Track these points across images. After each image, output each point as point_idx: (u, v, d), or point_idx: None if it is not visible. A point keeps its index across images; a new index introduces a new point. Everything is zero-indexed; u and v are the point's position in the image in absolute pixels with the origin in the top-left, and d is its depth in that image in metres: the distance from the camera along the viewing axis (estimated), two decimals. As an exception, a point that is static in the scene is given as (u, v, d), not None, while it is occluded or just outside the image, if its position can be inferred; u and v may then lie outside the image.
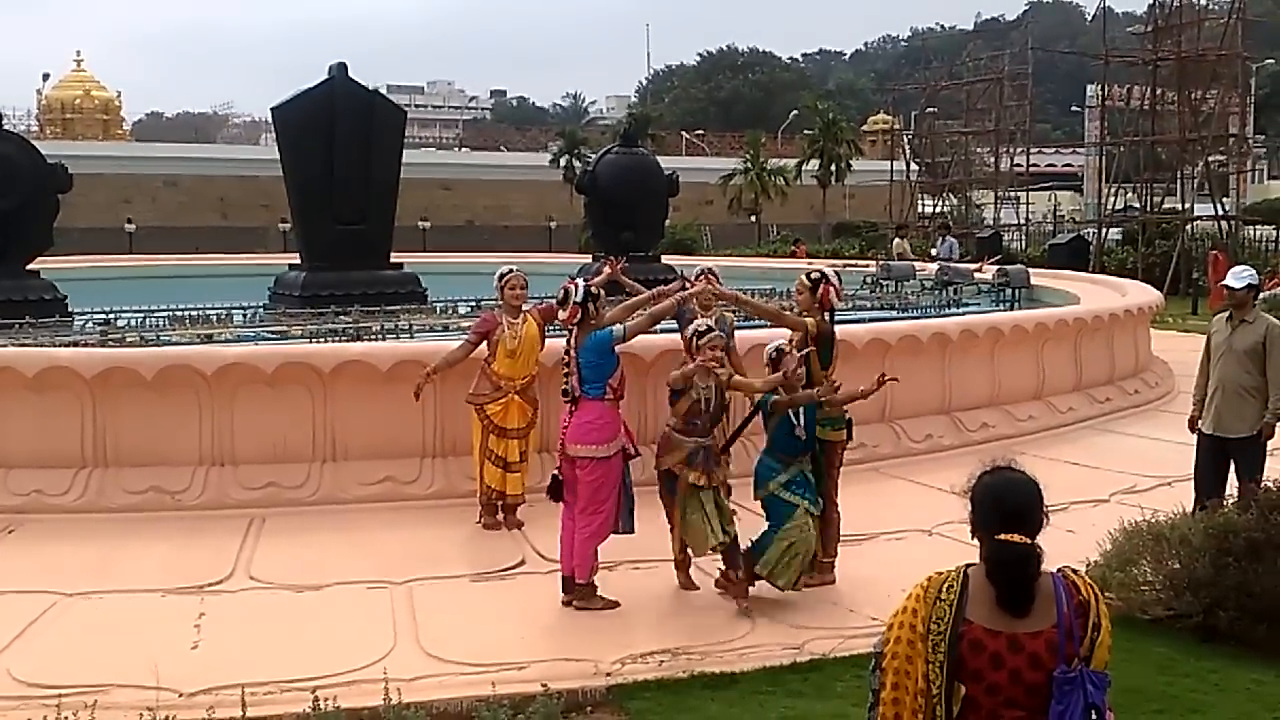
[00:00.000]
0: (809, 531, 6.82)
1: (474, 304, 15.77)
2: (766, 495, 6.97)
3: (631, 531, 7.07)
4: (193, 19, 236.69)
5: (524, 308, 8.50)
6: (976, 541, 3.22)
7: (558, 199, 50.48)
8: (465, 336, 8.66)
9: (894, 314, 16.29)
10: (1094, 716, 3.08)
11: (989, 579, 3.15)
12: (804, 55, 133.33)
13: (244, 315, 14.82)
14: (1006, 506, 3.18)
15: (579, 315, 7.00)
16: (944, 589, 3.18)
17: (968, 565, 3.23)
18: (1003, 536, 3.13)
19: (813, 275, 7.53)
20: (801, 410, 6.92)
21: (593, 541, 6.88)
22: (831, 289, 7.39)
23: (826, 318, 7.42)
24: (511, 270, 8.63)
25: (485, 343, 8.38)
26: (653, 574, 7.41)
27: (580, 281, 7.18)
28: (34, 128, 55.55)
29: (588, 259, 20.22)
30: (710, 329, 6.81)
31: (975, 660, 3.11)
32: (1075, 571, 3.25)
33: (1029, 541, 3.12)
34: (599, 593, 6.89)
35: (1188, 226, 32.25)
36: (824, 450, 7.26)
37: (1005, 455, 3.43)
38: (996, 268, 20.80)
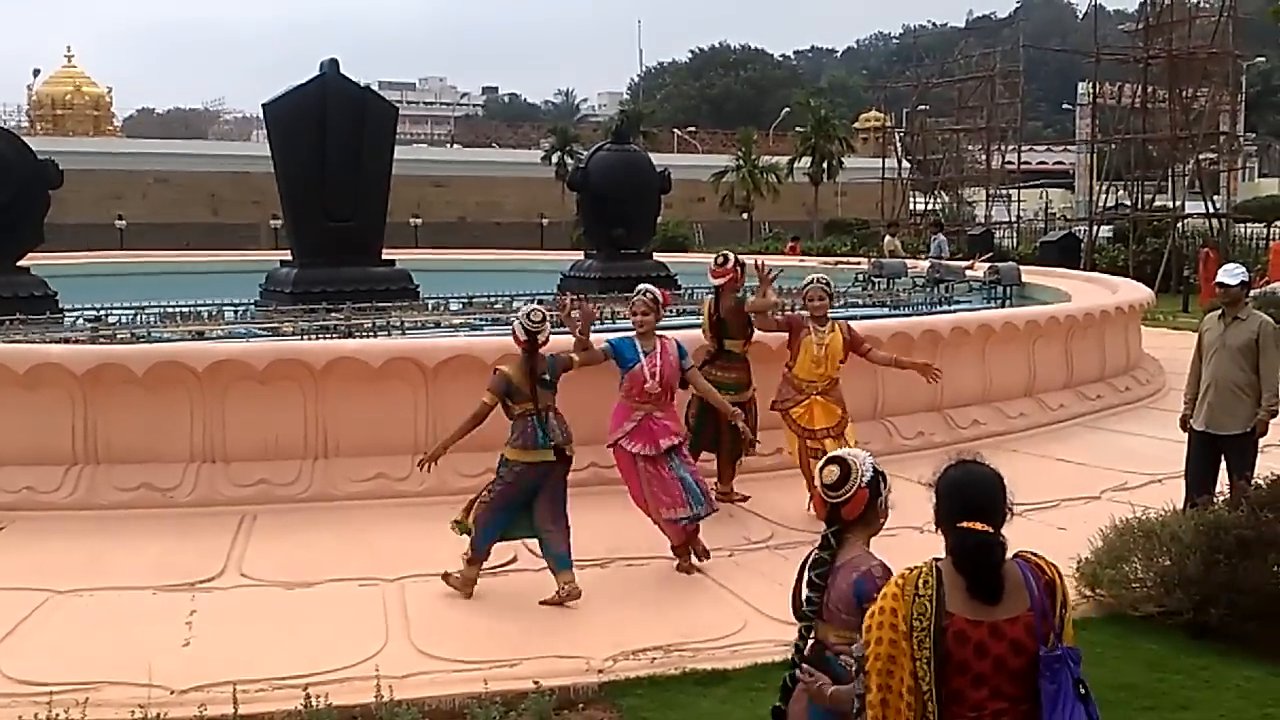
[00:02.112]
0: None
1: (466, 300, 15.78)
2: None
3: None
4: (184, 15, 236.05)
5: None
6: (941, 535, 3.26)
7: (550, 196, 50.52)
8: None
9: (886, 311, 16.31)
10: (1083, 691, 3.12)
11: (956, 569, 3.18)
12: (796, 53, 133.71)
13: (235, 312, 14.79)
14: (968, 498, 3.23)
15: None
16: (920, 584, 3.20)
17: (936, 560, 3.25)
18: (964, 525, 3.16)
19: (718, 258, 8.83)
20: None
21: None
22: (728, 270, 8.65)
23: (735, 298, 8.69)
24: (813, 281, 8.84)
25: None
26: (645, 571, 7.42)
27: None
28: (24, 124, 55.42)
29: (579, 256, 20.22)
30: None
31: (961, 652, 3.13)
32: (1035, 554, 3.29)
33: (990, 530, 3.16)
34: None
35: (1179, 224, 32.29)
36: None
37: (971, 451, 3.47)
38: (988, 265, 20.82)
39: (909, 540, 8.01)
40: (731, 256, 8.88)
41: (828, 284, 8.81)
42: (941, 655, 3.13)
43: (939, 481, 3.33)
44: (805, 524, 8.04)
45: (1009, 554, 3.24)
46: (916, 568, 3.27)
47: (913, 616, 3.15)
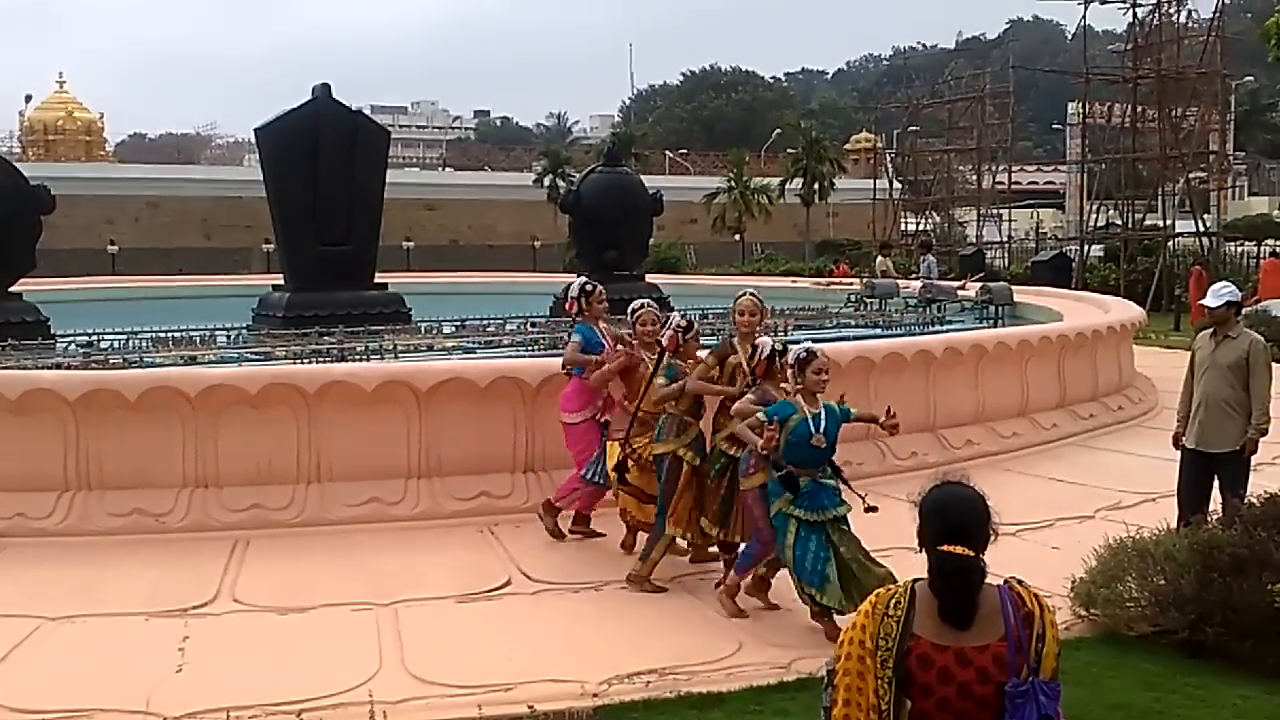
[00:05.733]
0: None
1: (458, 323, 15.78)
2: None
3: None
4: (176, 40, 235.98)
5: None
6: (924, 555, 3.26)
7: (542, 218, 50.62)
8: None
9: (878, 332, 16.34)
10: None
11: (931, 590, 3.19)
12: (786, 74, 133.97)
13: (227, 336, 14.77)
14: (949, 520, 3.23)
15: None
16: (891, 605, 3.22)
17: (915, 581, 3.26)
18: (945, 548, 3.16)
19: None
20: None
21: None
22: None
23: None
24: (643, 305, 8.22)
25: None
26: (640, 594, 7.39)
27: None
28: (16, 149, 55.47)
29: (572, 278, 20.22)
30: None
31: (924, 675, 3.13)
32: (1020, 583, 3.27)
33: (970, 554, 3.16)
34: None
35: (1169, 243, 32.44)
36: None
37: (959, 471, 3.47)
38: (980, 285, 20.87)
39: (903, 561, 8.00)
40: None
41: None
42: (903, 677, 3.15)
43: (923, 502, 3.34)
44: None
45: (999, 579, 3.24)
46: (893, 587, 3.29)
47: (879, 635, 3.18)
